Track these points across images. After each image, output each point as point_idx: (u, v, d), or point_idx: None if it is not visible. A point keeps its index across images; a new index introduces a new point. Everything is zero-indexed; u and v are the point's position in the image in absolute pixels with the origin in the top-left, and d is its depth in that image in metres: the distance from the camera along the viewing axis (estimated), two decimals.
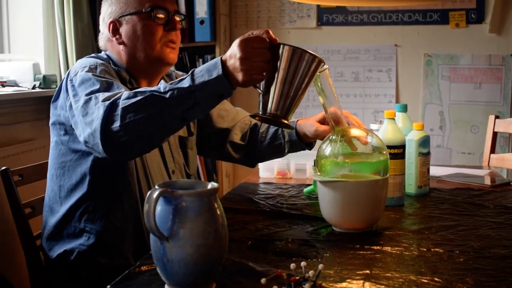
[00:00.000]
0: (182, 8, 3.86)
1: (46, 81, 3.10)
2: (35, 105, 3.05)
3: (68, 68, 3.24)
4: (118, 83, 1.66)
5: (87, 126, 1.55)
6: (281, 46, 1.44)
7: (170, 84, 1.48)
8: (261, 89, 1.47)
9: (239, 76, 1.42)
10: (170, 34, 1.84)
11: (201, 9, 3.87)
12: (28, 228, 1.88)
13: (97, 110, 1.52)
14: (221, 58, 1.45)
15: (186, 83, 1.45)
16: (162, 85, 1.48)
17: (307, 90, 1.48)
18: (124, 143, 1.50)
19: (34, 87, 3.07)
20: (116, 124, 1.47)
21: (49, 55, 3.33)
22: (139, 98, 1.47)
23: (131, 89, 1.78)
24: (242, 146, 2.06)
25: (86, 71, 1.69)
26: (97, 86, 1.61)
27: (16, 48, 3.35)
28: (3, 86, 3.00)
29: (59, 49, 3.31)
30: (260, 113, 1.48)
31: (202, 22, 3.88)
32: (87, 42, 3.36)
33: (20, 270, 2.58)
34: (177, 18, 1.86)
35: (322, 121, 1.89)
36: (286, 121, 1.48)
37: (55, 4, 3.26)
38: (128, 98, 1.48)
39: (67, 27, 3.28)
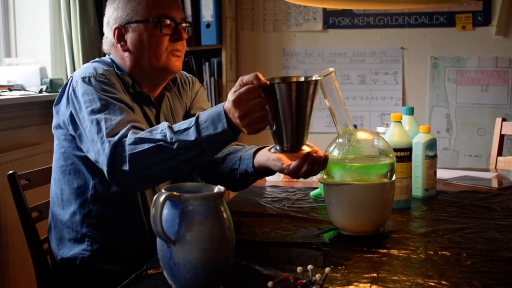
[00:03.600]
0: (188, 11, 3.86)
1: (53, 85, 3.11)
2: (42, 109, 3.06)
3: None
4: (118, 104, 1.66)
5: (95, 154, 1.62)
6: (275, 85, 1.40)
7: (176, 133, 1.49)
8: (271, 128, 1.46)
9: (244, 131, 1.43)
10: (176, 44, 1.82)
11: (207, 12, 3.88)
12: (35, 231, 1.89)
13: (103, 145, 1.57)
14: (224, 108, 1.45)
15: (192, 135, 1.47)
16: (168, 134, 1.50)
17: (314, 108, 1.47)
18: (132, 183, 1.57)
19: (41, 91, 3.09)
20: (125, 167, 1.53)
21: (55, 59, 3.34)
22: (146, 147, 1.50)
23: (133, 94, 1.79)
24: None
25: (87, 83, 1.70)
26: (97, 105, 1.64)
27: (23, 52, 3.36)
28: (10, 90, 3.01)
29: (65, 53, 3.33)
30: (278, 148, 1.48)
31: (208, 25, 3.89)
32: (93, 45, 3.37)
33: (28, 273, 2.58)
34: (184, 25, 1.85)
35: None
36: (305, 148, 1.49)
37: (62, 8, 3.28)
38: (135, 143, 1.52)
39: (73, 31, 3.29)
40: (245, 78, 1.41)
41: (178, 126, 1.52)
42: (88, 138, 1.64)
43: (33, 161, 2.85)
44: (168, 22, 1.80)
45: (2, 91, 2.94)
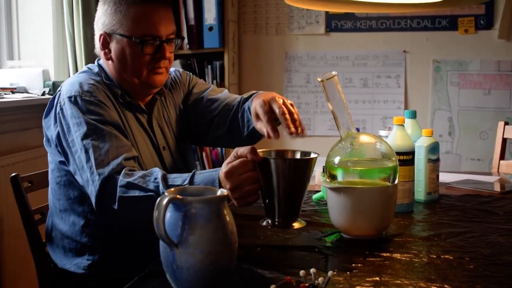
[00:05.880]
0: (191, 14, 3.86)
1: (56, 88, 3.10)
2: None
3: None
4: (106, 128, 1.65)
5: (84, 181, 1.63)
6: (270, 161, 1.39)
7: (169, 187, 1.48)
8: (263, 201, 1.45)
9: (235, 203, 1.44)
10: (159, 62, 1.78)
11: (210, 15, 3.88)
12: (38, 234, 1.89)
13: (92, 176, 1.58)
14: (218, 176, 1.45)
15: None
16: (160, 187, 1.50)
17: (308, 185, 1.46)
18: (119, 219, 1.62)
19: (43, 94, 3.09)
20: (114, 206, 1.55)
21: (58, 62, 3.34)
22: (136, 194, 1.52)
23: (123, 103, 1.78)
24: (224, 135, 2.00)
25: (73, 103, 1.68)
26: (84, 129, 1.64)
27: (26, 54, 3.37)
28: (13, 92, 3.02)
29: (68, 56, 3.33)
30: (270, 221, 1.48)
31: (210, 28, 3.89)
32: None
33: (29, 276, 2.58)
34: (171, 42, 1.80)
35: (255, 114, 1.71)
36: (295, 224, 1.49)
37: (65, 10, 3.28)
38: (127, 187, 1.53)
39: (76, 34, 3.30)
40: (240, 150, 1.41)
41: (172, 179, 1.52)
42: (76, 163, 1.65)
43: (35, 164, 2.85)
44: (150, 42, 1.76)
45: (5, 94, 2.95)
